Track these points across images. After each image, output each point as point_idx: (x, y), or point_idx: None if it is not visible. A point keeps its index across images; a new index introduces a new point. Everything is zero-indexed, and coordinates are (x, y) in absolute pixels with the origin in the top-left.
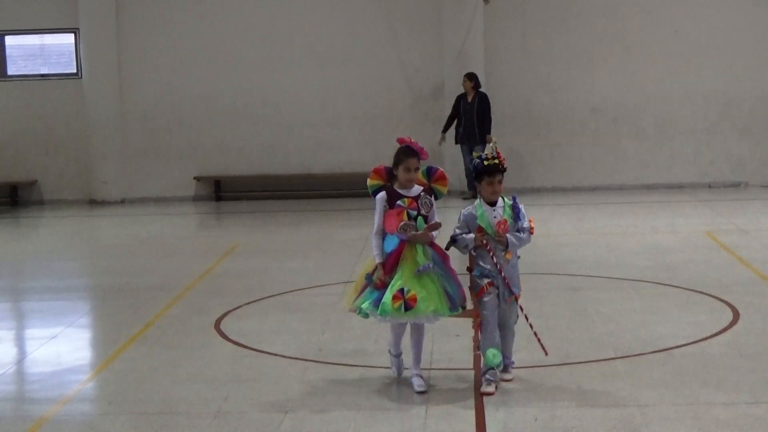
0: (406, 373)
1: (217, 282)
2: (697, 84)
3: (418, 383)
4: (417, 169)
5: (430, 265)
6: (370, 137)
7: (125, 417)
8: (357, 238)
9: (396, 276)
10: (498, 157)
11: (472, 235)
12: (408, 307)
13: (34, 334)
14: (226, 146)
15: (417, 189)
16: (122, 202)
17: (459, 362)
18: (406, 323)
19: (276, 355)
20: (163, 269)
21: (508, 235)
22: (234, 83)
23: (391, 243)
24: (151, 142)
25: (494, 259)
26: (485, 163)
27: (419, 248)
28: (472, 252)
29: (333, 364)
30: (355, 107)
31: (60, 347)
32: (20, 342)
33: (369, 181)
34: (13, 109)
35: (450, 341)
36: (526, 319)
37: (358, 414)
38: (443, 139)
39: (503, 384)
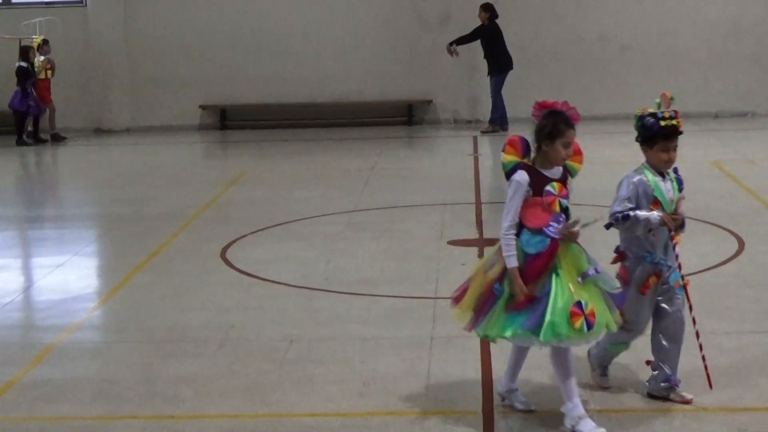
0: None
1: (223, 211)
2: (705, 12)
3: (521, 400)
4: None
5: (600, 270)
6: (376, 66)
7: (132, 344)
8: (363, 167)
9: (554, 286)
10: (675, 117)
11: (655, 213)
12: (590, 326)
13: (41, 262)
14: (231, 75)
15: (558, 169)
16: (128, 130)
17: None
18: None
19: (282, 283)
20: (169, 198)
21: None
22: (240, 11)
23: (533, 242)
24: (157, 71)
25: (671, 244)
26: (662, 123)
27: (577, 248)
28: (651, 235)
29: (338, 293)
30: (361, 35)
31: (67, 275)
32: (27, 270)
33: (505, 157)
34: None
35: (456, 270)
36: (694, 322)
37: (363, 343)
38: (450, 50)
39: None
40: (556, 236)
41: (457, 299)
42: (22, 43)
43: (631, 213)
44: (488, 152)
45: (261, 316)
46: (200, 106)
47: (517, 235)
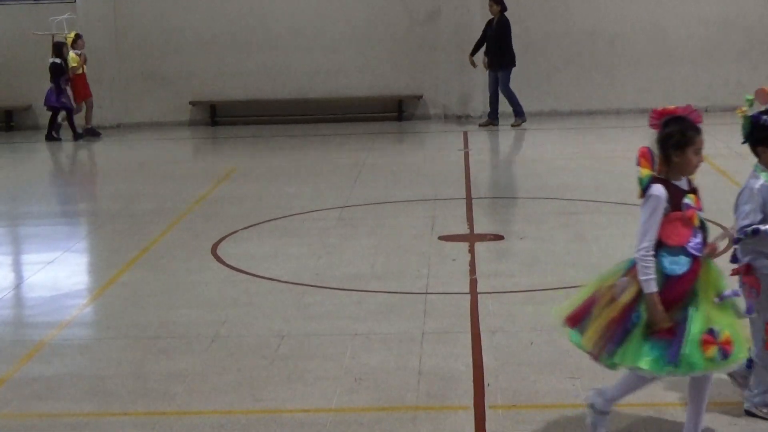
0: None
1: (213, 207)
2: (694, 6)
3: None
4: None
5: (738, 291)
6: (366, 61)
7: (123, 341)
8: (353, 163)
9: (692, 311)
10: None
11: None
12: (725, 355)
13: (31, 259)
14: (221, 70)
15: (684, 180)
16: (118, 126)
17: (455, 287)
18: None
19: (273, 279)
20: (159, 194)
21: None
22: (230, 6)
23: (677, 262)
24: (146, 67)
25: None
26: None
27: (715, 267)
28: None
29: (330, 288)
30: (351, 31)
31: (57, 272)
32: (18, 267)
33: (642, 171)
34: (8, 34)
35: (446, 265)
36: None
37: (354, 339)
38: (472, 62)
39: (499, 308)
40: (699, 254)
41: (573, 320)
42: (55, 40)
43: (762, 227)
44: (478, 148)
45: (252, 312)
46: (190, 102)
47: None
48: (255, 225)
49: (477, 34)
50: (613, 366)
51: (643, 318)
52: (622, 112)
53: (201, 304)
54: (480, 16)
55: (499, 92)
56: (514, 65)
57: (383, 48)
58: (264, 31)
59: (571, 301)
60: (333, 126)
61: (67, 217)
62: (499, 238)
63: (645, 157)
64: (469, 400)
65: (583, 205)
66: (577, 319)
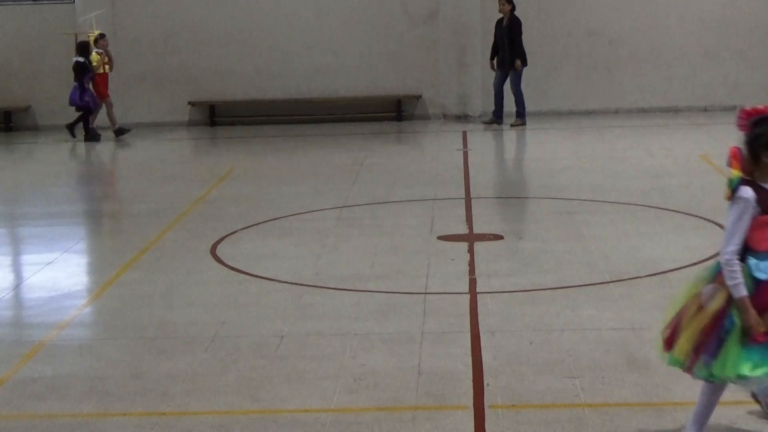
0: None
1: (212, 207)
2: (693, 6)
3: None
4: None
5: None
6: (365, 61)
7: (122, 342)
8: (352, 162)
9: None
10: None
11: None
12: None
13: (30, 259)
14: (220, 71)
15: None
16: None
17: (454, 287)
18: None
19: (272, 279)
20: (158, 194)
21: None
22: (228, 7)
23: (762, 268)
24: (145, 67)
25: None
26: None
27: None
28: None
29: (329, 288)
30: (350, 31)
31: (57, 273)
32: (17, 268)
33: (733, 173)
34: (6, 34)
35: (446, 265)
36: None
37: (354, 338)
38: (492, 66)
39: (499, 308)
40: None
41: (668, 342)
42: (79, 39)
43: None
44: (477, 148)
45: (251, 313)
46: (189, 103)
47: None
48: (254, 225)
49: (475, 33)
50: (710, 377)
51: (737, 324)
52: (622, 112)
53: (200, 305)
54: (479, 15)
55: (503, 91)
56: (526, 64)
57: (382, 48)
58: (263, 31)
59: (665, 322)
60: (332, 126)
61: (66, 218)
62: (498, 237)
63: (736, 157)
64: (469, 400)
65: (582, 204)
66: (672, 340)
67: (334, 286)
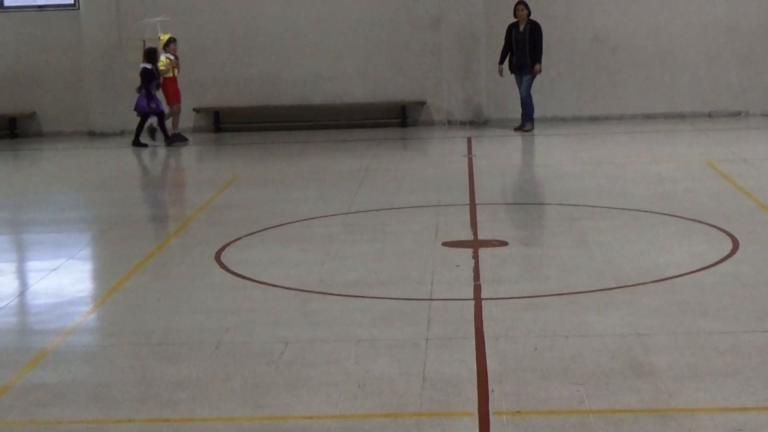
0: None
1: (217, 213)
2: (698, 12)
3: None
4: None
5: None
6: (369, 68)
7: (127, 348)
8: (356, 168)
9: None
10: None
11: None
12: None
13: (35, 266)
14: (225, 77)
15: None
16: (121, 133)
17: (459, 293)
18: None
19: (276, 286)
20: (163, 201)
21: None
22: (233, 13)
23: None
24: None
25: None
26: None
27: None
28: None
29: (333, 295)
30: (354, 37)
31: (61, 279)
32: (22, 274)
33: None
34: (11, 41)
35: (450, 271)
36: None
37: (358, 345)
38: (501, 70)
39: (503, 314)
40: None
41: None
42: (147, 45)
43: None
44: (482, 154)
45: (256, 319)
46: (194, 109)
47: None
48: (259, 231)
49: (480, 39)
50: None
51: None
52: (626, 118)
53: (205, 311)
54: (484, 22)
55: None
56: (540, 71)
57: (387, 54)
58: (267, 38)
59: None
60: (336, 132)
61: (70, 224)
62: (503, 244)
63: None
64: (473, 407)
65: (587, 210)
66: None
67: (338, 293)
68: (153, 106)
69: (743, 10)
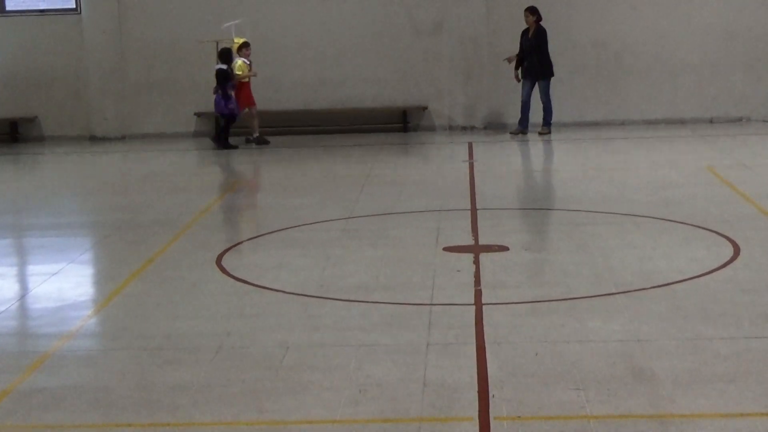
0: None
1: (218, 218)
2: (699, 18)
3: None
4: None
5: None
6: (371, 73)
7: (128, 352)
8: (359, 174)
9: None
10: None
11: None
12: None
13: (36, 270)
14: None
15: None
16: (123, 138)
17: (460, 298)
18: None
19: (277, 290)
20: (164, 205)
21: None
22: (234, 18)
23: None
24: (151, 78)
25: None
26: None
27: None
28: None
29: (334, 299)
30: (356, 43)
31: (62, 283)
32: (23, 278)
33: None
34: (13, 45)
35: (451, 276)
36: None
37: (359, 350)
38: (516, 76)
39: (504, 319)
40: None
41: None
42: (221, 46)
43: None
44: (483, 159)
45: (257, 323)
46: (195, 114)
47: None
48: (260, 236)
49: (481, 45)
50: None
51: None
52: (628, 124)
53: (206, 316)
54: (485, 27)
55: (531, 102)
56: (553, 74)
57: (388, 59)
58: (269, 43)
59: None
60: (338, 137)
61: (71, 229)
62: (503, 249)
63: None
64: (474, 412)
65: (588, 216)
66: None
67: (339, 298)
68: (230, 107)
69: (744, 16)
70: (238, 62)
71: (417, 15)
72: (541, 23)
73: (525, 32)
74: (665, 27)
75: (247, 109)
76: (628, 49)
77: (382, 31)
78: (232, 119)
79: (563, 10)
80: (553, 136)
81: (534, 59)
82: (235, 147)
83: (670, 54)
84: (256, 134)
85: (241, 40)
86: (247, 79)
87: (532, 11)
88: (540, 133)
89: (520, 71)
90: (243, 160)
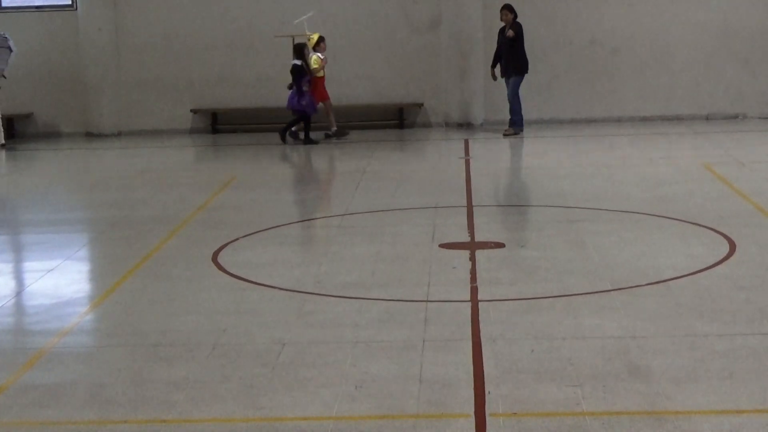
0: None
1: (214, 214)
2: (695, 15)
3: None
4: None
5: None
6: (367, 69)
7: (123, 349)
8: (354, 170)
9: None
10: None
11: None
12: None
13: (32, 266)
14: (222, 78)
15: None
16: (119, 134)
17: (456, 295)
18: None
19: (274, 287)
20: (160, 202)
21: None
22: (231, 14)
23: None
24: (147, 74)
25: None
26: None
27: None
28: None
29: (331, 296)
30: (352, 39)
31: (58, 280)
32: (18, 275)
33: None
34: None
35: (447, 273)
36: None
37: (355, 346)
38: (493, 74)
39: (500, 316)
40: None
41: None
42: (296, 41)
43: None
44: (479, 156)
45: (253, 320)
46: (191, 110)
47: None
48: (256, 233)
49: (477, 42)
50: None
51: None
52: (624, 120)
53: (202, 312)
54: (481, 24)
55: (519, 99)
56: (527, 71)
57: (384, 56)
58: (265, 39)
59: None
60: None
61: (67, 225)
62: (499, 245)
63: None
64: (470, 408)
65: (584, 212)
66: None
67: (335, 294)
68: (304, 103)
69: (741, 13)
70: (314, 57)
71: (413, 12)
72: (519, 20)
73: (502, 30)
74: (662, 24)
75: (321, 104)
76: (625, 45)
77: (378, 28)
78: (305, 117)
79: (560, 7)
80: (549, 132)
81: (509, 56)
82: (316, 142)
83: (666, 51)
84: (334, 128)
85: (317, 35)
86: (321, 74)
87: (510, 9)
88: (505, 134)
89: (497, 69)
90: (243, 159)
